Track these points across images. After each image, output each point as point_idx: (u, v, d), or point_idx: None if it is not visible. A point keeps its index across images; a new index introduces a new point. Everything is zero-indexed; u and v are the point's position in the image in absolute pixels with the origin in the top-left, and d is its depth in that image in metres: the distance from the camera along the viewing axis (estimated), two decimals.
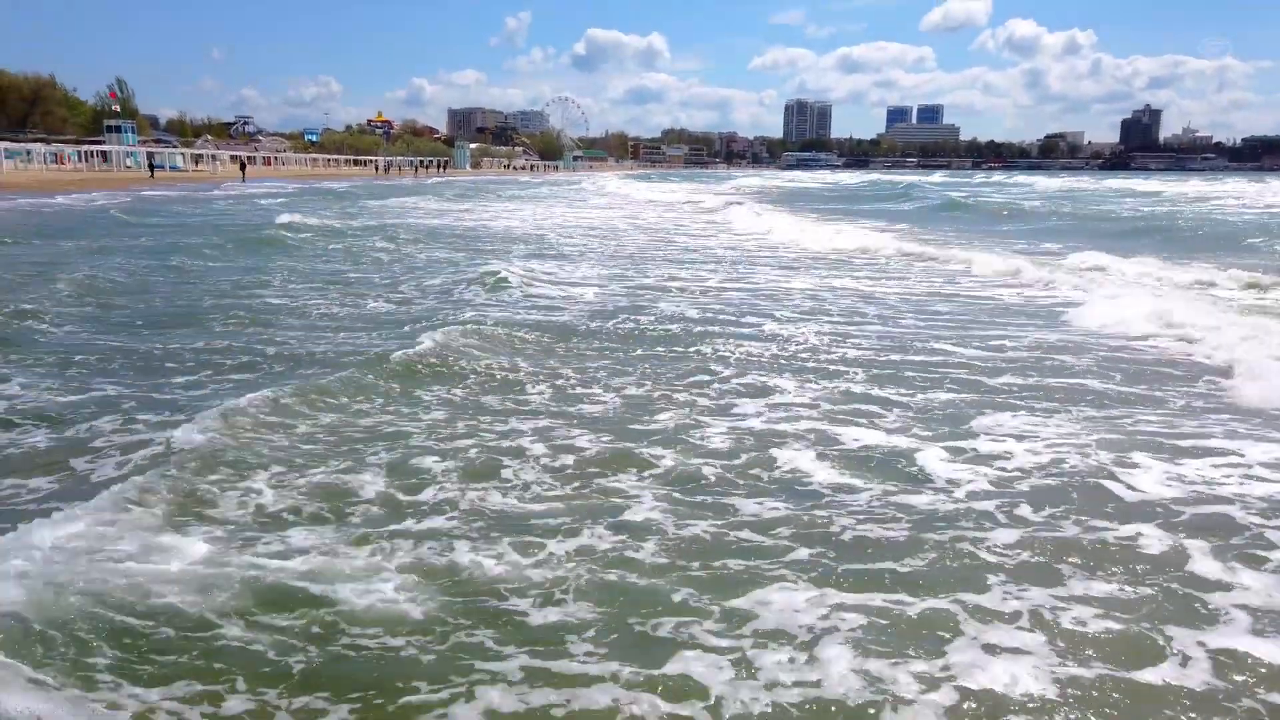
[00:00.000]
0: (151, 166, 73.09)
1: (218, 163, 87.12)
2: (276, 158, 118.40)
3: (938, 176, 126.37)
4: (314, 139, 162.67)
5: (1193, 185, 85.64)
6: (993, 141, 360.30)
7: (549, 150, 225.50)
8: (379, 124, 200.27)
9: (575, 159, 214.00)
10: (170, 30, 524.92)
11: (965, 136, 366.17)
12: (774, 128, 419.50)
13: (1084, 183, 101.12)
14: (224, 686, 3.56)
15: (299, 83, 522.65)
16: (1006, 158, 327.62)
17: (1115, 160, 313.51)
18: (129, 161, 78.34)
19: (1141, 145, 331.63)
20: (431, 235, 25.06)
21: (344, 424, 6.77)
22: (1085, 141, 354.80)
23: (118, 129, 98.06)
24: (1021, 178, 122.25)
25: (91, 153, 79.03)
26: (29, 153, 69.08)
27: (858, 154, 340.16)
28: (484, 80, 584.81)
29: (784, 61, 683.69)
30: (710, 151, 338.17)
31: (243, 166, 78.03)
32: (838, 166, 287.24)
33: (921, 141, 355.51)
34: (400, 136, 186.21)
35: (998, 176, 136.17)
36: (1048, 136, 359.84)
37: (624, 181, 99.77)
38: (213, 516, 5.05)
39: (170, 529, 4.84)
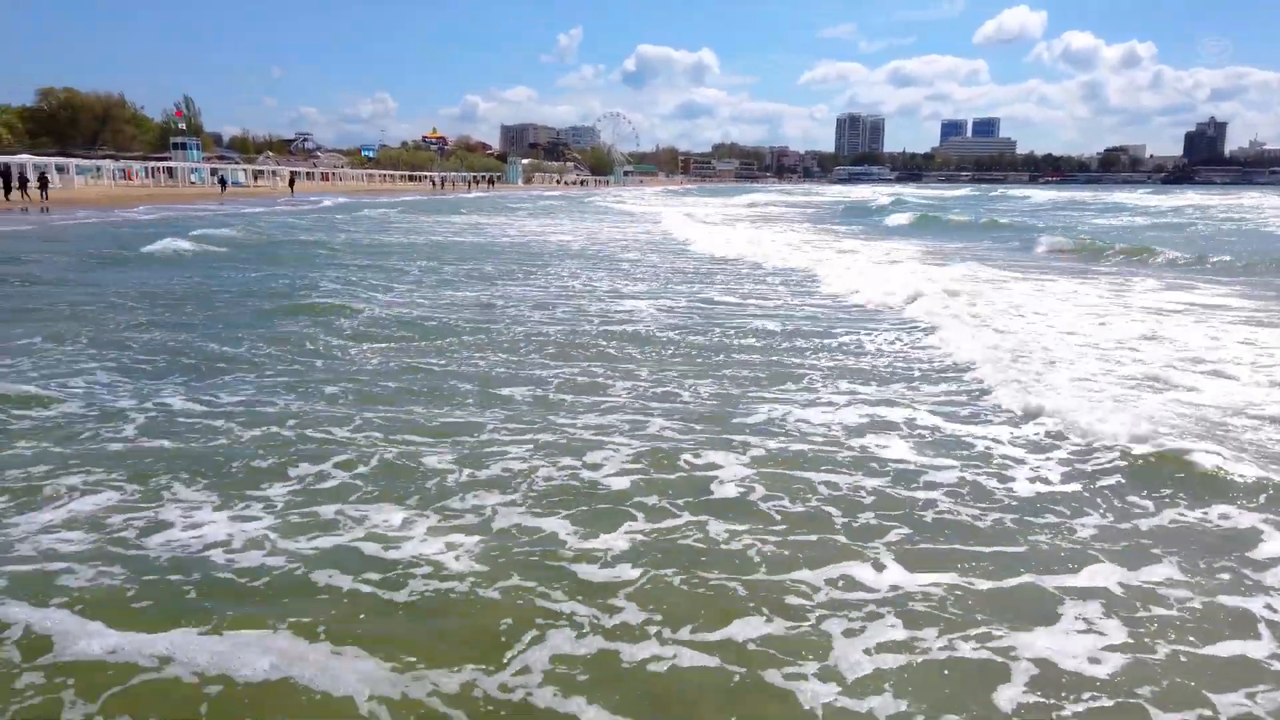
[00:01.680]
0: (223, 182, 75.53)
1: (277, 178, 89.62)
2: (334, 173, 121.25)
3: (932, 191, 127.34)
4: (370, 155, 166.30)
5: (1216, 198, 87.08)
6: (1050, 155, 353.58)
7: (600, 165, 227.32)
8: (434, 140, 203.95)
9: (626, 174, 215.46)
10: (233, 50, 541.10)
11: (1022, 150, 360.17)
12: (825, 142, 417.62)
13: (1079, 194, 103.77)
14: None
15: (356, 100, 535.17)
16: (1065, 171, 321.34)
17: (1178, 174, 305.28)
18: (193, 177, 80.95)
19: (1206, 159, 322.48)
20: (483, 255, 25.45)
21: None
22: (1147, 155, 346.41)
23: (183, 146, 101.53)
24: (1021, 191, 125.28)
25: (158, 169, 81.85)
26: (99, 169, 71.84)
27: (910, 167, 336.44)
28: (536, 97, 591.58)
29: (835, 75, 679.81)
30: (761, 166, 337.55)
31: (291, 181, 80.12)
32: (890, 180, 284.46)
33: (976, 155, 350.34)
34: (454, 152, 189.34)
35: (1018, 191, 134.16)
36: (1108, 150, 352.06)
37: (653, 196, 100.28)
38: None
39: None
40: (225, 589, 4.45)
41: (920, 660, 3.89)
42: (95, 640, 3.88)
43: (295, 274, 18.46)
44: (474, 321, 12.61)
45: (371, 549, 4.94)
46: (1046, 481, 6.16)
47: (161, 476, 5.99)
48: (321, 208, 50.36)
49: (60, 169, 61.22)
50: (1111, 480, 6.17)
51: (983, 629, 4.14)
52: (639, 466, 6.36)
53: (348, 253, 24.09)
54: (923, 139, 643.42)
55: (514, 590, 4.49)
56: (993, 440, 7.08)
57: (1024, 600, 4.45)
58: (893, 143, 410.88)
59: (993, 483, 6.14)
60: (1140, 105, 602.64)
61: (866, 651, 3.95)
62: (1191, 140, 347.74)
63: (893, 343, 11.31)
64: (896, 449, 6.84)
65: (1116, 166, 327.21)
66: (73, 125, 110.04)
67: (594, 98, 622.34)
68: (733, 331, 12.11)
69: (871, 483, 6.11)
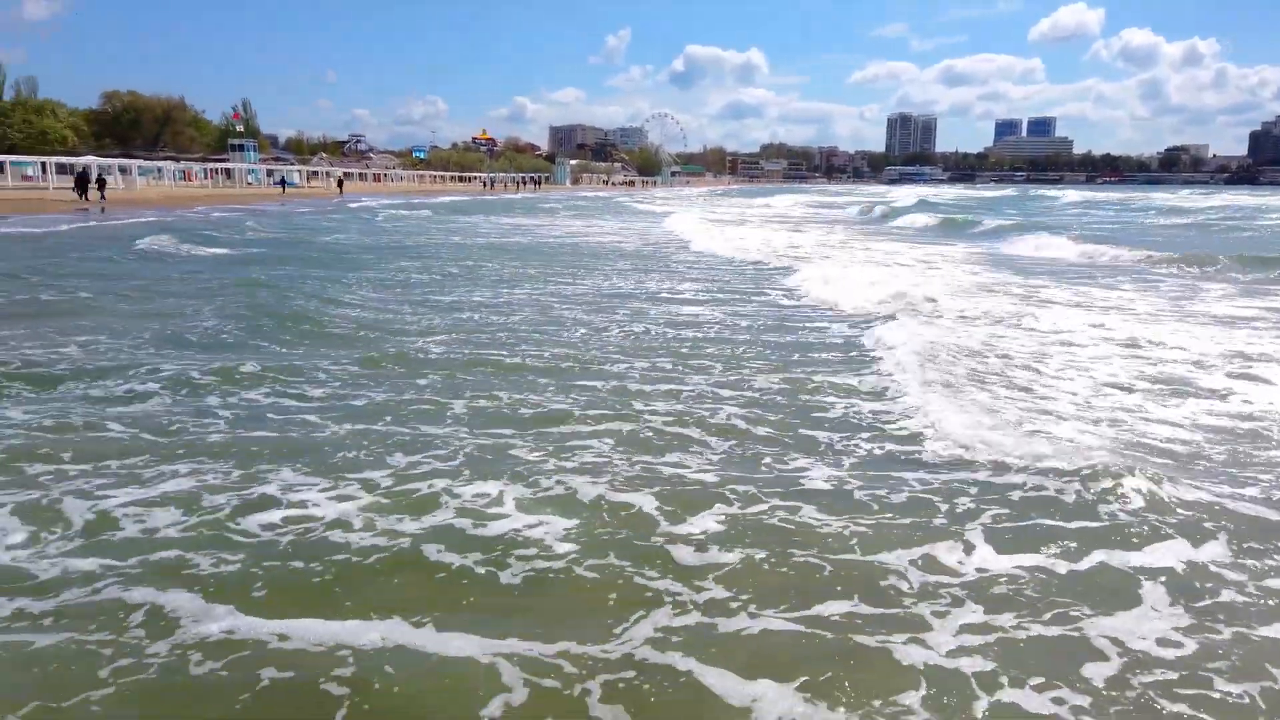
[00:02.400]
0: (283, 184, 76.77)
1: (330, 179, 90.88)
2: (385, 174, 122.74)
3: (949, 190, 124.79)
4: (422, 156, 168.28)
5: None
6: (1109, 155, 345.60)
7: (647, 166, 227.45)
8: (483, 141, 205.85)
9: (673, 174, 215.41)
10: (289, 54, 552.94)
11: (1079, 149, 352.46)
12: (875, 142, 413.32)
13: (1118, 195, 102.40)
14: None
15: (408, 102, 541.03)
16: (1123, 171, 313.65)
17: (1242, 174, 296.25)
18: (249, 178, 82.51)
19: (1272, 159, 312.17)
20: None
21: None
22: (1210, 155, 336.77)
23: (241, 147, 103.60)
24: (1054, 191, 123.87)
25: (216, 170, 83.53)
26: (160, 170, 73.53)
27: (963, 168, 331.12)
28: (584, 98, 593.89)
29: (885, 75, 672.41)
30: (809, 166, 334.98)
31: (340, 183, 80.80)
32: (942, 180, 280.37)
33: (1031, 155, 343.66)
34: (503, 153, 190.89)
35: (1053, 191, 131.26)
36: (1169, 150, 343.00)
37: (694, 198, 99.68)
38: None
39: None
40: (335, 570, 4.61)
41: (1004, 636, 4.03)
42: (216, 622, 4.05)
43: (352, 274, 18.84)
44: (535, 319, 12.88)
45: (471, 531, 5.11)
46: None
47: (263, 464, 6.18)
48: (371, 209, 50.75)
49: (123, 170, 62.72)
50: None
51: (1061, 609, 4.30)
52: (723, 455, 6.51)
53: (401, 255, 24.38)
54: (976, 139, 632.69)
55: (611, 569, 4.64)
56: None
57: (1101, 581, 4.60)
58: (945, 142, 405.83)
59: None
60: (1203, 104, 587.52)
61: (954, 626, 4.10)
62: (1257, 140, 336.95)
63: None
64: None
65: (1178, 167, 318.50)
66: (135, 127, 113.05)
67: (642, 98, 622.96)
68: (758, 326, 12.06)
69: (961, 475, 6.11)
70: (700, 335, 11.55)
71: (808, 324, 12.53)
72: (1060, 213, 61.50)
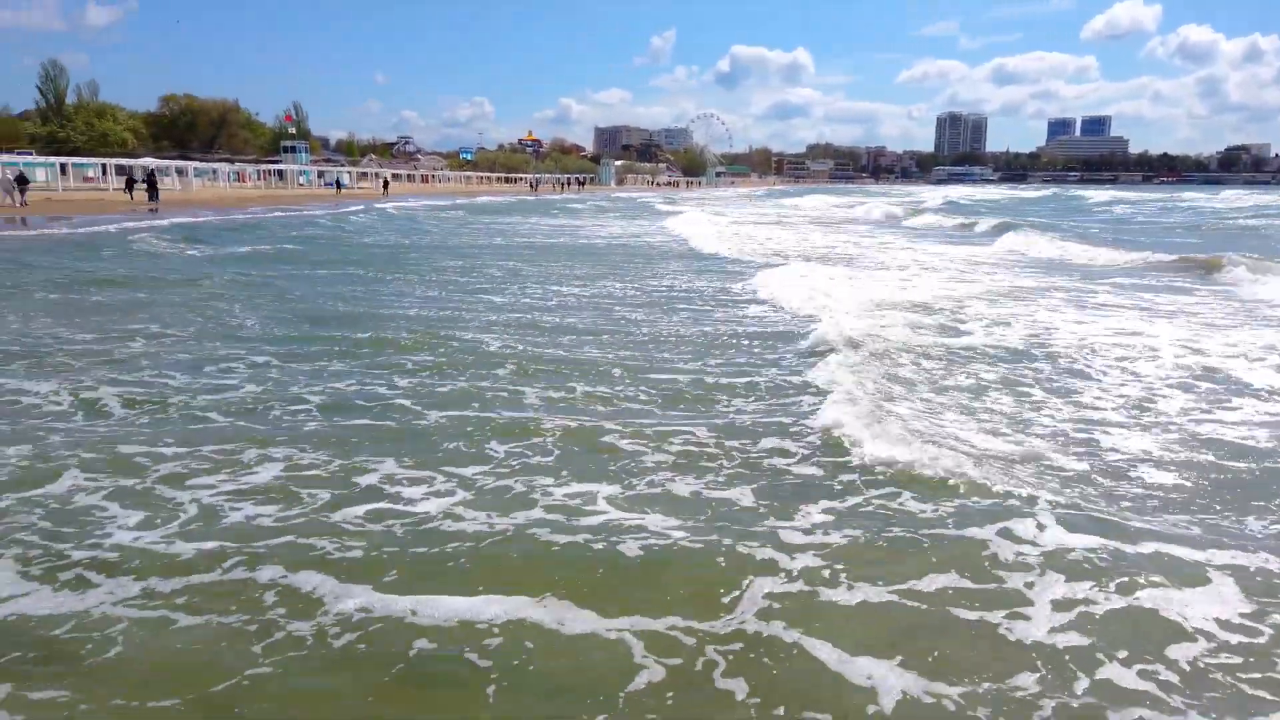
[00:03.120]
0: (338, 184, 77.76)
1: (379, 180, 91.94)
2: (433, 175, 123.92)
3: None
4: (469, 157, 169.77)
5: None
6: (1166, 154, 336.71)
7: (692, 166, 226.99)
8: (529, 143, 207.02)
9: (718, 175, 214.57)
10: (339, 56, 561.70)
11: (1135, 149, 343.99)
12: (924, 141, 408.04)
13: (1152, 195, 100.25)
14: None
15: (455, 104, 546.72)
16: (1181, 171, 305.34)
17: None
18: (301, 179, 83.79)
19: None
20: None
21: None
22: (1272, 154, 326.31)
23: (293, 149, 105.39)
24: (1087, 192, 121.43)
25: (269, 171, 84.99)
26: (215, 171, 75.01)
27: (1014, 167, 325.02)
28: (629, 99, 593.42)
29: (934, 74, 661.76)
30: (856, 166, 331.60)
31: (385, 184, 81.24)
32: (992, 180, 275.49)
33: (1085, 155, 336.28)
34: (549, 154, 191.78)
35: (1087, 192, 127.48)
36: (1228, 149, 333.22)
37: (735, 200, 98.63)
38: None
39: None
40: (453, 552, 4.82)
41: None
42: (353, 599, 4.26)
43: (403, 274, 19.37)
44: (591, 316, 13.16)
45: (575, 514, 5.30)
46: None
47: (364, 453, 6.43)
48: (415, 210, 51.10)
49: (180, 172, 64.03)
50: None
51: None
52: (816, 445, 6.63)
53: (448, 255, 25.07)
54: (1028, 138, 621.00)
55: (717, 551, 4.79)
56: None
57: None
58: (995, 142, 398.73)
59: None
60: (1264, 102, 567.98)
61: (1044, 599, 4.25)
62: None
63: None
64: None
65: (1237, 166, 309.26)
66: (191, 130, 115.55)
67: (687, 99, 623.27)
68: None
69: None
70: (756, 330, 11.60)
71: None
72: (1083, 213, 61.02)
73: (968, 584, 4.45)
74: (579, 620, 4.07)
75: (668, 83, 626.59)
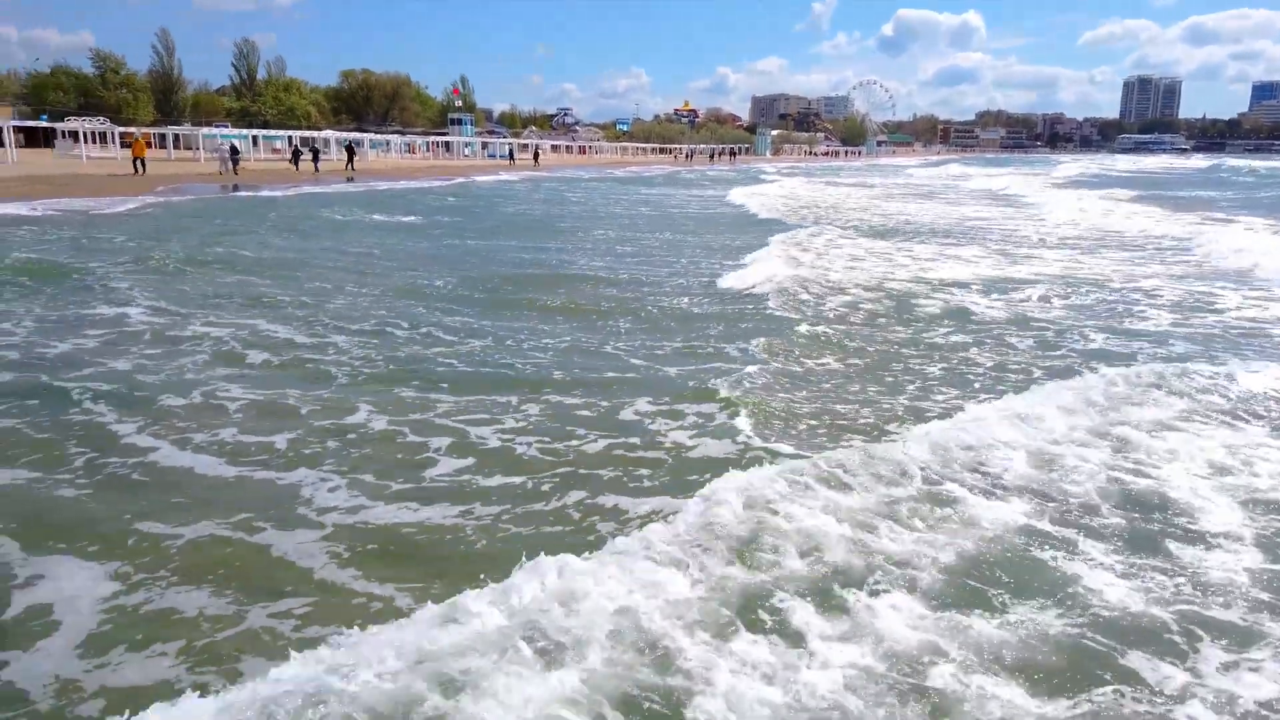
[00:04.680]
0: (510, 155, 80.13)
1: (531, 151, 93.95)
2: (590, 146, 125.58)
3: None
4: (625, 128, 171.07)
5: None
6: None
7: (852, 135, 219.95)
8: (684, 113, 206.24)
9: (879, 144, 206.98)
10: (503, 31, 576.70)
11: None
12: (1108, 108, 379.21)
13: None
14: None
15: (612, 76, 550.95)
16: None
17: None
18: (466, 151, 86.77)
19: None
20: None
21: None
22: None
23: (459, 121, 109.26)
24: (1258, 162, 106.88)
25: (436, 144, 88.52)
26: (388, 143, 78.86)
27: (1210, 135, 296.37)
28: (787, 67, 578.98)
29: (1120, 34, 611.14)
30: (1031, 134, 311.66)
31: (536, 155, 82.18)
32: (1185, 150, 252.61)
33: None
34: (704, 125, 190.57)
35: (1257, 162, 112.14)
36: None
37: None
38: None
39: None
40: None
41: None
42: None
43: (564, 241, 19.78)
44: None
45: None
46: None
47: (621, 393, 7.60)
48: (572, 180, 51.95)
49: (357, 143, 67.67)
50: None
51: None
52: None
53: (598, 224, 25.18)
54: (1228, 104, 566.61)
55: None
56: None
57: None
58: (1190, 108, 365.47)
59: None
60: None
61: None
62: None
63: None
64: None
65: None
66: (367, 104, 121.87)
67: (848, 66, 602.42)
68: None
69: None
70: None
71: None
72: (1219, 184, 55.77)
73: None
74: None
75: (827, 49, 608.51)
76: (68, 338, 9.19)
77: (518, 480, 5.65)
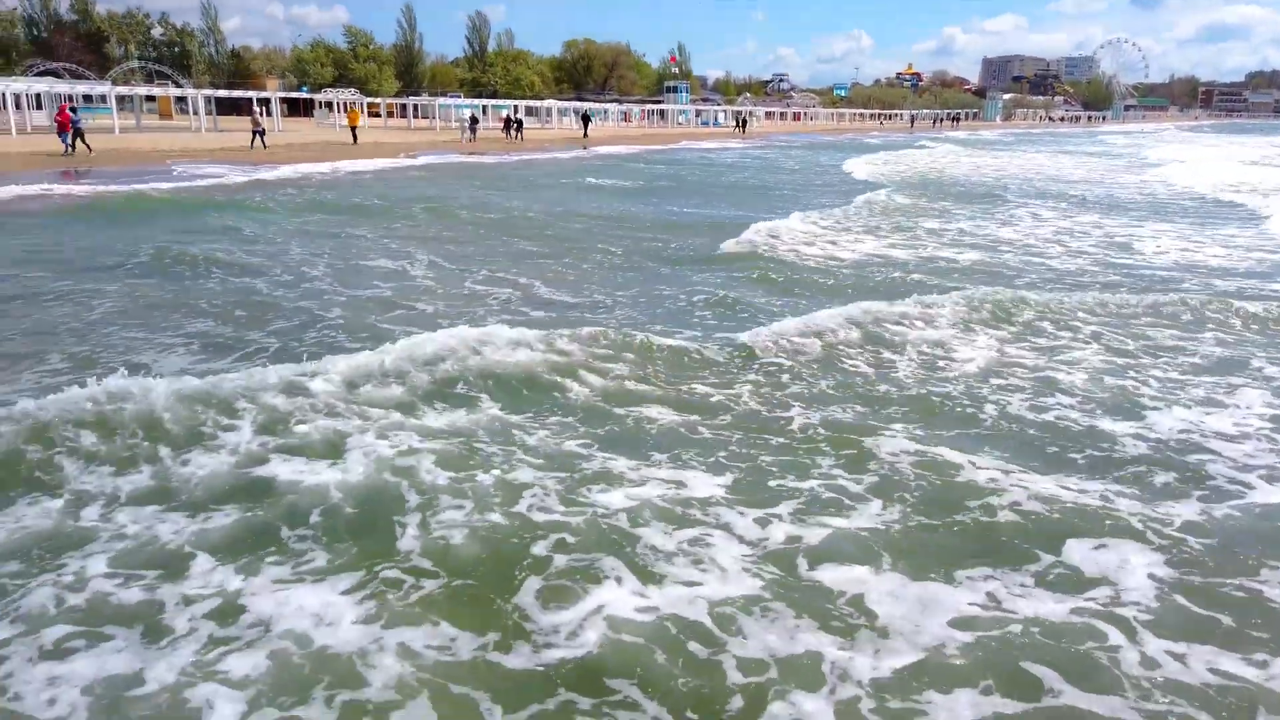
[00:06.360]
0: (743, 124, 78.67)
1: (753, 118, 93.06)
2: (805, 113, 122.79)
3: None
4: (843, 93, 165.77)
5: None
6: None
7: (1095, 99, 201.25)
8: (907, 76, 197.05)
9: (1126, 108, 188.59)
10: None
11: None
12: None
13: None
14: None
15: (830, 39, 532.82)
16: None
17: None
18: (680, 118, 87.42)
19: None
20: None
21: None
22: None
23: (674, 89, 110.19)
24: None
25: (651, 111, 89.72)
26: (606, 111, 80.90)
27: None
28: (1024, 25, 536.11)
29: None
30: None
31: (743, 124, 79.81)
32: None
33: None
34: (928, 89, 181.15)
35: None
36: None
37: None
38: None
39: None
40: None
41: None
42: None
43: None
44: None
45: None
46: None
47: None
48: (785, 146, 51.01)
49: (576, 112, 69.90)
50: None
51: None
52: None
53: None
54: None
55: None
56: None
57: None
58: None
59: None
60: None
61: None
62: None
63: None
64: None
65: None
66: (587, 73, 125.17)
67: (1093, 24, 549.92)
68: None
69: None
70: None
71: None
72: None
73: None
74: None
75: (1070, 6, 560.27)
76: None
77: None
